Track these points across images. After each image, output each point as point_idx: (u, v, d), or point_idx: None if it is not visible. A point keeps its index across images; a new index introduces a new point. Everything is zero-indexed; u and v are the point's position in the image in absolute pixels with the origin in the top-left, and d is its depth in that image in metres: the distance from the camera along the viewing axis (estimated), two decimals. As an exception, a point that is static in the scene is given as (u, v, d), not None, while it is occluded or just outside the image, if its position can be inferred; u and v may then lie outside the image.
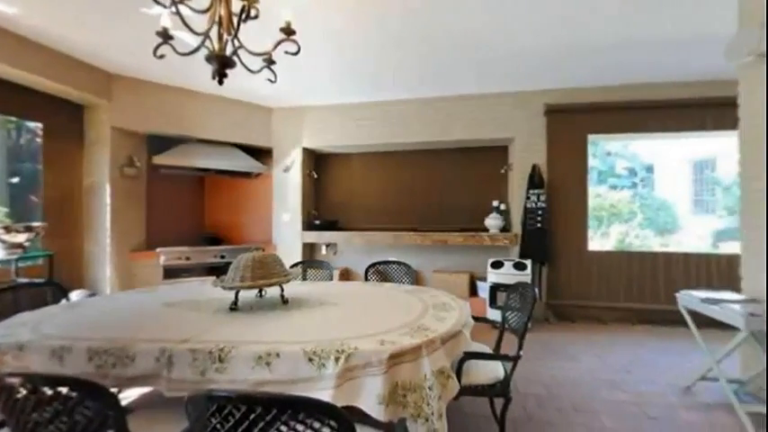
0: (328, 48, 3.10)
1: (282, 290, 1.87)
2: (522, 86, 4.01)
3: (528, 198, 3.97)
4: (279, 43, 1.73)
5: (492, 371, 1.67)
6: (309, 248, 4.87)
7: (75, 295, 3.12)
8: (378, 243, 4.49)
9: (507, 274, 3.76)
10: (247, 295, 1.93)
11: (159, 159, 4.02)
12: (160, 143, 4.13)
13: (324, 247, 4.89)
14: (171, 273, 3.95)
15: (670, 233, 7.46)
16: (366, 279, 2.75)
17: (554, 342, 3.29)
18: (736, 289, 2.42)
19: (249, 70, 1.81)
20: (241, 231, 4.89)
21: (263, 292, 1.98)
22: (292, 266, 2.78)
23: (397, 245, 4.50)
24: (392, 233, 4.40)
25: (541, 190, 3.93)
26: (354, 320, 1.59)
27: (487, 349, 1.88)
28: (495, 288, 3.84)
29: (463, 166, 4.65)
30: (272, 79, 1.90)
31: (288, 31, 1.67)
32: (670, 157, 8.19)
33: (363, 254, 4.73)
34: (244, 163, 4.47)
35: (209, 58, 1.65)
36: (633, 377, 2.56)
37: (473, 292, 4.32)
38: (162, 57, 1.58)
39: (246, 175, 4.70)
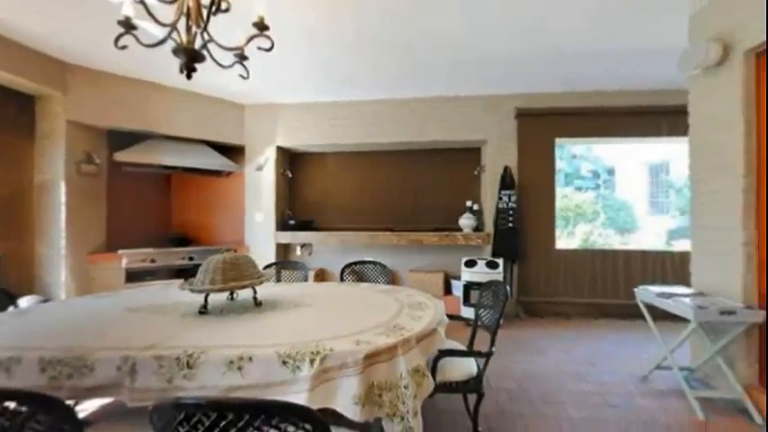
0: (302, 45, 3.06)
1: (255, 292, 1.82)
2: (494, 90, 4.13)
3: (500, 199, 4.10)
4: (251, 38, 1.68)
5: (466, 367, 1.71)
6: (283, 249, 4.77)
7: (24, 301, 2.88)
8: (353, 243, 4.47)
9: (480, 273, 3.86)
10: (218, 298, 1.86)
11: (121, 156, 3.79)
12: (122, 139, 3.89)
13: (298, 248, 4.81)
14: (134, 276, 3.74)
15: (629, 232, 7.94)
16: (342, 279, 2.74)
17: (524, 337, 3.41)
18: (688, 284, 2.62)
19: (220, 65, 1.75)
20: (211, 232, 4.72)
21: (235, 295, 1.92)
22: (266, 268, 2.70)
23: (373, 245, 4.50)
24: (368, 233, 4.40)
25: (512, 191, 4.07)
26: (329, 321, 1.58)
27: (461, 346, 1.92)
28: (468, 286, 3.93)
29: (438, 167, 4.73)
30: (245, 75, 1.85)
31: (261, 26, 1.62)
32: (629, 160, 8.73)
33: (339, 254, 4.70)
34: (214, 161, 4.31)
35: (176, 51, 1.58)
36: (596, 369, 2.70)
37: (447, 290, 4.40)
38: (124, 48, 1.49)
39: (217, 173, 4.53)
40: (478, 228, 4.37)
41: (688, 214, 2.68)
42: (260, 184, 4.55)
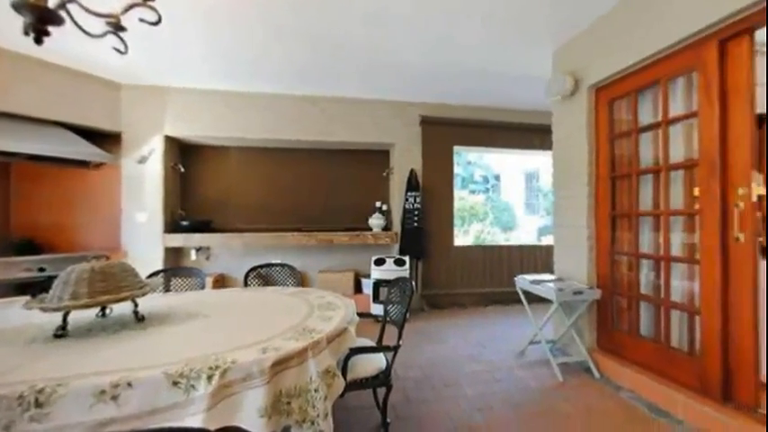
0: (200, 25, 2.73)
1: (136, 305, 1.55)
2: (401, 96, 4.36)
3: (406, 200, 4.35)
4: (131, 6, 1.43)
5: (375, 363, 1.76)
6: (174, 254, 4.19)
7: None
8: (259, 245, 4.19)
9: (389, 270, 4.03)
10: (83, 316, 1.53)
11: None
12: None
13: (194, 252, 4.28)
14: (-53, 296, 2.80)
15: (511, 230, 9.30)
16: (246, 284, 2.53)
17: (428, 328, 3.69)
18: (552, 271, 3.19)
19: (87, 33, 1.43)
20: (72, 236, 3.83)
21: (108, 311, 1.61)
22: (150, 276, 2.33)
23: (281, 246, 4.29)
24: (275, 234, 4.17)
25: (417, 192, 4.36)
26: (231, 331, 1.45)
27: (372, 343, 1.97)
28: (378, 284, 4.07)
29: (349, 168, 4.76)
30: (121, 50, 1.56)
31: (144, -5, 1.39)
32: (511, 168, 10.23)
33: (242, 257, 4.35)
34: (76, 149, 3.48)
35: (17, 6, 1.24)
36: (487, 350, 3.08)
37: (358, 289, 4.47)
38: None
39: (82, 164, 3.68)
40: (387, 227, 4.55)
41: (552, 215, 3.27)
42: (142, 178, 3.90)
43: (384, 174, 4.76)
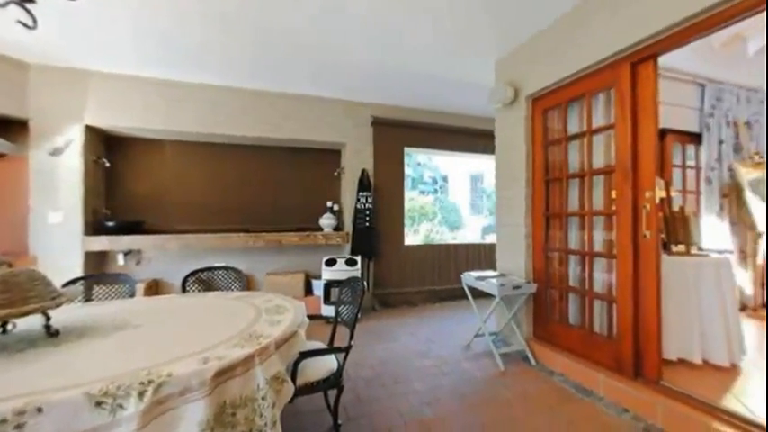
0: (130, 4, 2.46)
1: (48, 318, 1.36)
2: (353, 96, 4.34)
3: (358, 200, 4.35)
4: (42, -24, 1.24)
5: (326, 365, 1.74)
6: (97, 259, 3.74)
7: None
8: (200, 247, 3.90)
9: (340, 271, 4.00)
10: (-23, 334, 1.30)
11: None
12: None
13: (121, 256, 3.86)
14: None
15: (458, 229, 9.74)
16: (184, 290, 2.34)
17: (379, 327, 3.73)
18: (495, 268, 3.40)
19: (-19, 0, 1.22)
20: (-37, 239, 3.24)
21: (10, 326, 1.38)
22: (67, 284, 2.05)
23: (225, 248, 4.05)
24: (218, 235, 3.92)
25: (369, 192, 4.38)
26: (167, 342, 1.33)
27: (322, 345, 1.94)
28: (329, 285, 4.01)
29: (298, 167, 4.63)
30: (29, 24, 1.35)
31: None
32: (458, 170, 10.71)
33: (181, 261, 4.02)
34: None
35: None
36: (435, 345, 3.19)
37: (308, 291, 4.36)
38: None
39: (-25, 154, 3.15)
40: (338, 227, 4.51)
41: (495, 215, 3.49)
42: (57, 173, 3.42)
43: (335, 173, 4.71)
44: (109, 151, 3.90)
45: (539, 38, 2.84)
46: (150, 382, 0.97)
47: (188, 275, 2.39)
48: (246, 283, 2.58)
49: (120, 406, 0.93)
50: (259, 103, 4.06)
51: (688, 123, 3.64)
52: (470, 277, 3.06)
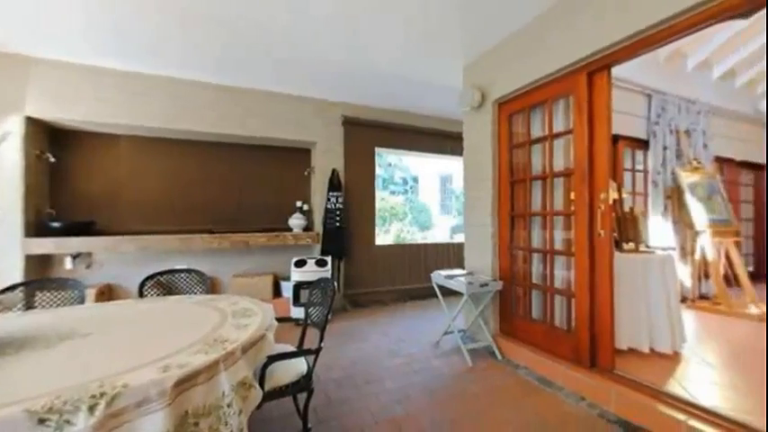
0: (77, -13, 2.28)
1: (-19, 329, 1.22)
2: (323, 95, 4.28)
3: (328, 200, 4.30)
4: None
5: (295, 368, 1.70)
6: (40, 263, 3.42)
7: None
8: (159, 249, 3.68)
9: (310, 272, 3.93)
10: None
11: None
12: None
13: (69, 260, 3.56)
14: None
15: (427, 229, 9.90)
16: (141, 295, 2.20)
17: (350, 327, 3.71)
18: (463, 266, 3.49)
19: None
20: None
21: (-65, 339, 1.23)
22: (2, 291, 1.86)
23: (187, 250, 3.85)
24: (179, 236, 3.71)
25: (339, 192, 4.34)
26: (122, 350, 1.24)
27: (292, 348, 1.90)
28: (298, 286, 3.93)
29: (267, 166, 4.50)
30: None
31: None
32: (428, 171, 10.89)
33: (138, 264, 3.77)
34: None
35: None
36: (406, 344, 3.23)
37: (277, 293, 4.25)
38: None
39: None
40: (308, 227, 4.43)
41: (463, 215, 3.58)
42: (-8, 168, 3.09)
43: (305, 173, 4.62)
44: (55, 146, 3.58)
45: (505, 44, 2.95)
46: (103, 394, 0.90)
47: (146, 279, 2.25)
48: (211, 287, 2.47)
49: (68, 422, 0.86)
50: (223, 98, 3.90)
51: (637, 130, 3.94)
52: (440, 276, 3.11)
